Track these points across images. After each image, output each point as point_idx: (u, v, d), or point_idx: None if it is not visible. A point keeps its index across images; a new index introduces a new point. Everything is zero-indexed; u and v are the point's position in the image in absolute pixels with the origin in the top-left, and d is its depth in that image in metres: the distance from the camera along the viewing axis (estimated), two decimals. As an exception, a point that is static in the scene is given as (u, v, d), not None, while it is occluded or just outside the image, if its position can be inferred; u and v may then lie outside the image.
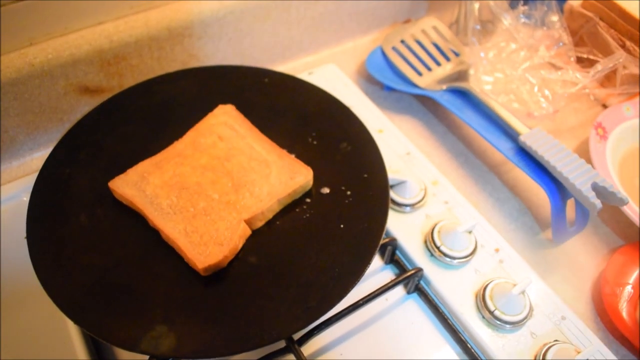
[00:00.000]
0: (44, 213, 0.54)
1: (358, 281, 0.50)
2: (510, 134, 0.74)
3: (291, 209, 0.57)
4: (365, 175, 0.60)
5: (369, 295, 0.56)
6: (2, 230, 0.64)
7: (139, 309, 0.48)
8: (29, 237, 0.52)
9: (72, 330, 0.55)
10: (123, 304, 0.48)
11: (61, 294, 0.48)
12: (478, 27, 0.88)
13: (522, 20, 0.89)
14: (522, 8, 0.88)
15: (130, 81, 0.73)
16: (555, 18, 0.88)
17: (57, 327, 0.58)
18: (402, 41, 0.88)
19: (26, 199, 0.55)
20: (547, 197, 0.67)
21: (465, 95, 0.80)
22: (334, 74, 0.83)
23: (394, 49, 0.87)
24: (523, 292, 0.58)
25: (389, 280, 0.58)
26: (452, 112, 0.78)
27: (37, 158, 0.73)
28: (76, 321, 0.47)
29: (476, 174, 0.77)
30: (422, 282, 0.61)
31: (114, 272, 0.50)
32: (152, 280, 0.50)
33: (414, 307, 0.62)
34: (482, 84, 0.84)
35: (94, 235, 0.53)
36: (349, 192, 0.58)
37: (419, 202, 0.66)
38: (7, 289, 0.64)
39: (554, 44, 0.88)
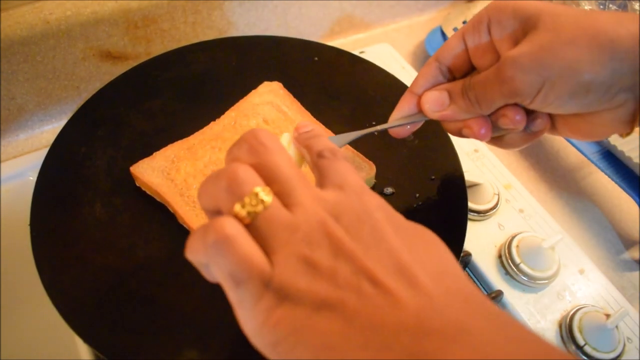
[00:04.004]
0: (53, 199, 0.47)
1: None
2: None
3: (348, 211, 0.48)
4: (435, 177, 0.50)
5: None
6: (2, 213, 0.57)
7: (164, 327, 0.40)
8: (33, 228, 0.45)
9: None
10: (144, 320, 0.40)
11: (68, 302, 0.41)
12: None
13: (600, 7, 0.78)
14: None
15: (159, 48, 0.67)
16: (638, 6, 0.78)
17: (61, 324, 0.50)
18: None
19: (33, 178, 0.49)
20: (638, 211, 0.58)
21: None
22: (388, 54, 0.73)
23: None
24: (617, 326, 0.49)
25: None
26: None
27: (48, 131, 0.67)
28: (85, 339, 0.39)
29: (549, 177, 0.67)
30: (496, 306, 0.52)
31: (133, 278, 0.43)
32: (181, 290, 0.42)
33: (484, 335, 0.52)
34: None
35: (110, 230, 0.45)
36: (417, 195, 0.49)
37: (492, 209, 0.56)
38: (7, 282, 0.59)
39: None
